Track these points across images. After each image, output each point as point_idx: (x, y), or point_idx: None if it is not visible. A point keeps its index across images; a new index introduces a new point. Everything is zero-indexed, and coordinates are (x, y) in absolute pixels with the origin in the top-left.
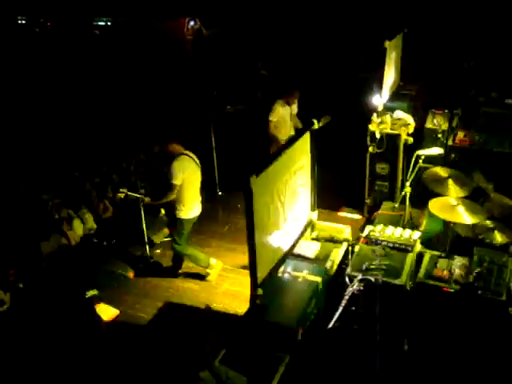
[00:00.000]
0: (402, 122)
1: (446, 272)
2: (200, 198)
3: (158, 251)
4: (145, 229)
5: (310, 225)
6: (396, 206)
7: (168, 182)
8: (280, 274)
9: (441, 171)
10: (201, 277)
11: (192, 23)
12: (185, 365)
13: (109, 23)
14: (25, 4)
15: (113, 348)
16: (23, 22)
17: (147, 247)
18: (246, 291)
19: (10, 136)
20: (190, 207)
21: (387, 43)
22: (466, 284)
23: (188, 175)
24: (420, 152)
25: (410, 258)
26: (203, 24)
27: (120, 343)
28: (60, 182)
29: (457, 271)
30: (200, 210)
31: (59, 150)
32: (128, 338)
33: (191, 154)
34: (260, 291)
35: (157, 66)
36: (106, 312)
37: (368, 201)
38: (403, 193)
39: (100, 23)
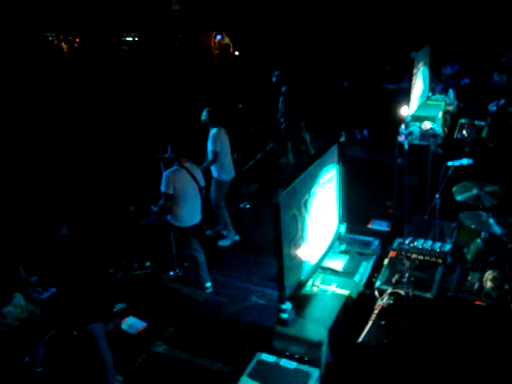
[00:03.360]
0: (431, 133)
1: (477, 285)
2: (198, 209)
3: (186, 264)
4: (173, 242)
5: (339, 237)
6: (426, 217)
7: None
8: (308, 288)
9: (471, 182)
10: (229, 290)
11: (219, 37)
12: (214, 378)
13: (136, 38)
14: (54, 21)
15: (140, 361)
16: (53, 38)
17: (175, 260)
18: (274, 305)
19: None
20: (183, 216)
21: (414, 54)
22: (498, 297)
23: (180, 187)
24: (449, 163)
25: (441, 270)
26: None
27: (147, 356)
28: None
29: (488, 284)
30: (198, 220)
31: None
32: (155, 352)
33: (191, 168)
34: (288, 305)
35: (184, 80)
36: (134, 325)
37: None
38: (433, 204)
39: (128, 39)
